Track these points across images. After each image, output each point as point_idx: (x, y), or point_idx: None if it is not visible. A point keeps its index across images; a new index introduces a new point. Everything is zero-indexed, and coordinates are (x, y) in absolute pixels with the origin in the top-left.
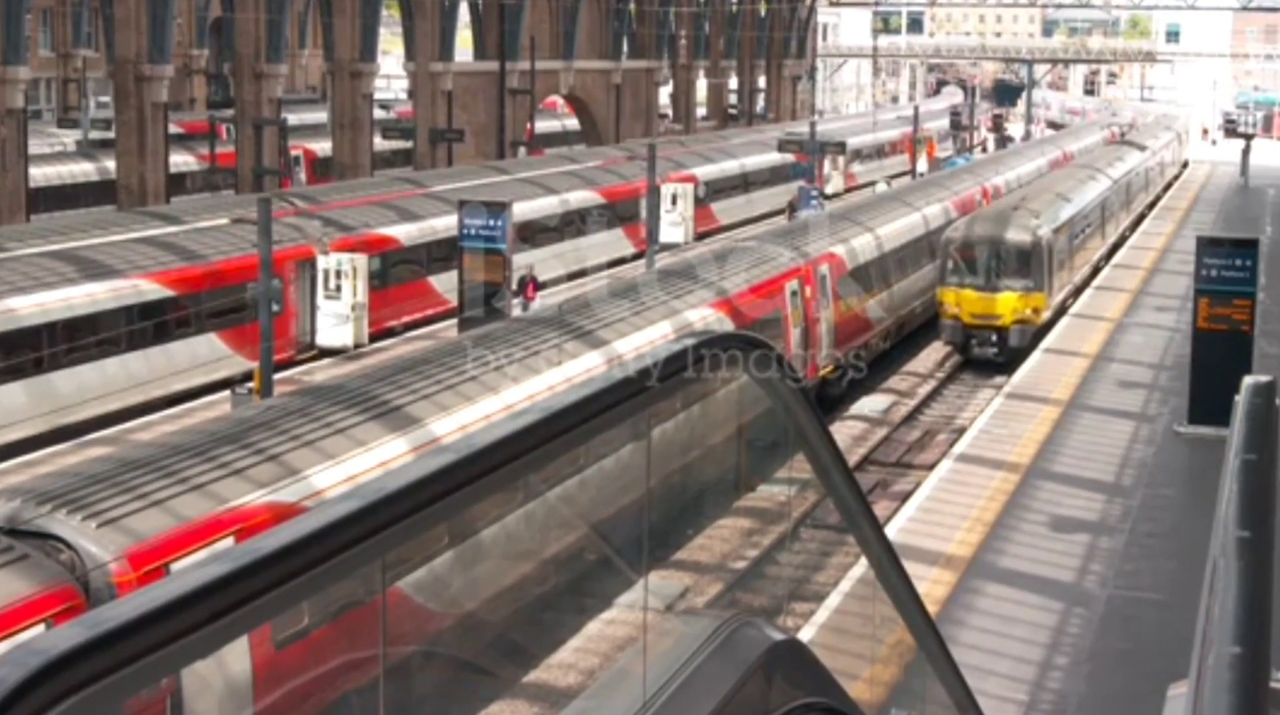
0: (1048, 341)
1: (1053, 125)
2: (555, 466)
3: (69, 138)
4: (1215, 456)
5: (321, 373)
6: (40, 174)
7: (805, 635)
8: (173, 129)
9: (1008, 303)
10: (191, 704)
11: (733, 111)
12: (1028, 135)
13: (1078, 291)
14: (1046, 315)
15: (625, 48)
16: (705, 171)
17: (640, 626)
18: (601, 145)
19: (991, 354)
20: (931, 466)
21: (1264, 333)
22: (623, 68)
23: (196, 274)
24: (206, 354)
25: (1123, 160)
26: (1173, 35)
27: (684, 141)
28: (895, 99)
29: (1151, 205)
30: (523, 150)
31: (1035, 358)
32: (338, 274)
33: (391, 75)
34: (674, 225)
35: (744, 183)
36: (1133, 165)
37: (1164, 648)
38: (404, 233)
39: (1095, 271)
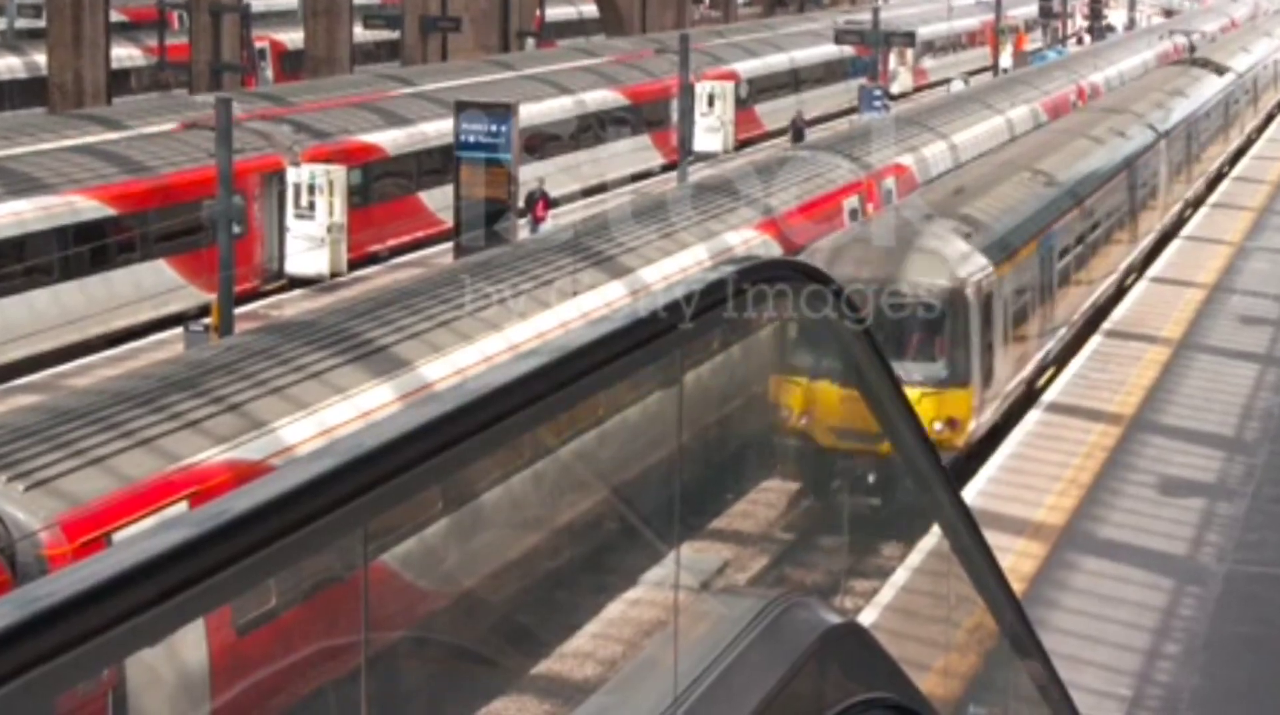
0: (1155, 269)
1: (1167, 12)
2: (570, 418)
3: None
4: None
5: (291, 306)
6: None
7: (867, 618)
8: (115, 17)
9: None
10: (137, 699)
11: None
12: (1131, 24)
13: (1063, 359)
14: (978, 425)
15: None
16: (748, 67)
17: (671, 608)
18: (625, 36)
19: (870, 505)
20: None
21: None
22: None
23: (143, 189)
24: (155, 284)
25: (1185, 95)
26: None
27: (723, 32)
28: None
29: (1239, 154)
30: (531, 42)
31: (1140, 289)
32: (311, 189)
33: None
34: (711, 131)
35: (794, 81)
36: (1201, 103)
37: None
38: (390, 140)
39: (1116, 297)
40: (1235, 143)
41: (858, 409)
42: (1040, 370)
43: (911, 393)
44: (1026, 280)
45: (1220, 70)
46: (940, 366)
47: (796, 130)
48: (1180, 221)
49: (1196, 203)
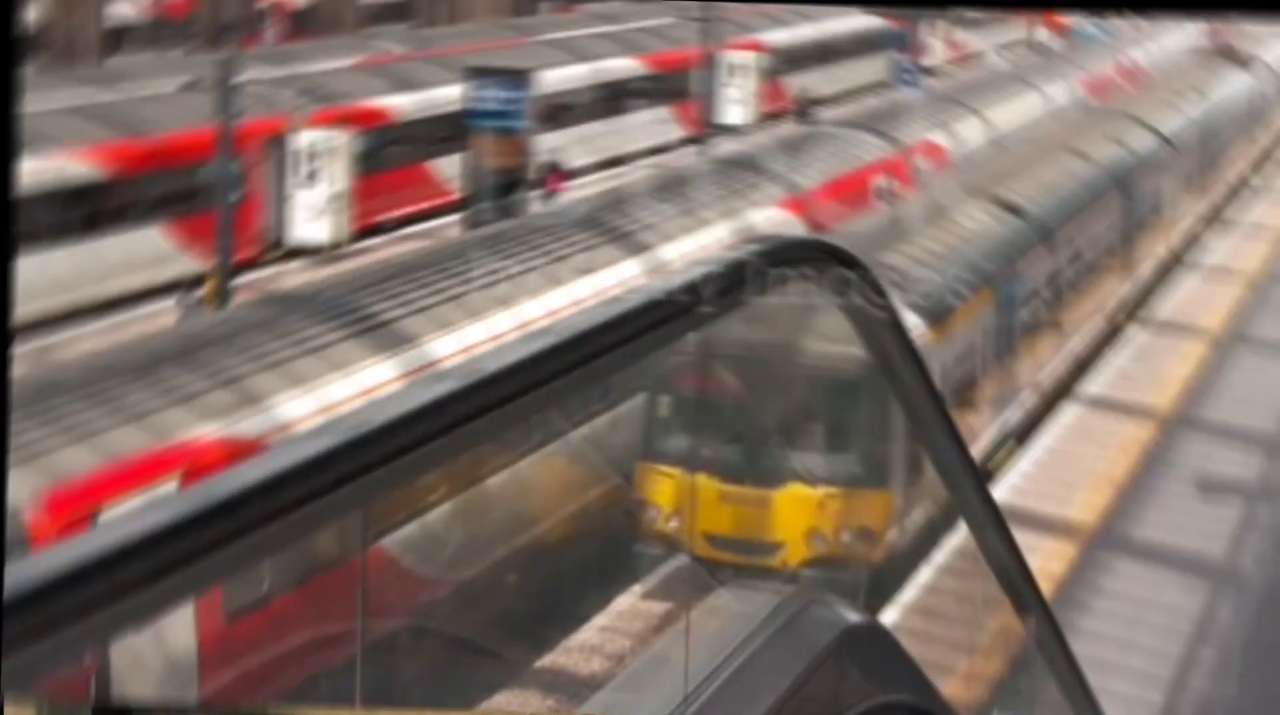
0: (1191, 258)
1: None
2: (581, 400)
3: None
4: None
5: (292, 278)
6: None
7: (888, 618)
8: None
9: (795, 511)
10: (121, 684)
11: None
12: None
13: (1026, 433)
14: (901, 532)
15: None
16: (774, 37)
17: (683, 602)
18: (646, 0)
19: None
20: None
21: None
22: None
23: (137, 152)
24: (148, 252)
25: (1202, 94)
26: None
27: None
28: None
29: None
30: (547, 5)
31: (1178, 280)
32: (313, 155)
33: None
34: (735, 104)
35: (823, 52)
36: (1216, 101)
37: None
38: (397, 105)
39: (1099, 345)
40: (1261, 145)
41: (742, 511)
42: (996, 447)
43: (810, 492)
44: (976, 339)
45: (1245, 62)
46: (851, 460)
47: (800, 110)
48: (1190, 241)
49: (1210, 220)
